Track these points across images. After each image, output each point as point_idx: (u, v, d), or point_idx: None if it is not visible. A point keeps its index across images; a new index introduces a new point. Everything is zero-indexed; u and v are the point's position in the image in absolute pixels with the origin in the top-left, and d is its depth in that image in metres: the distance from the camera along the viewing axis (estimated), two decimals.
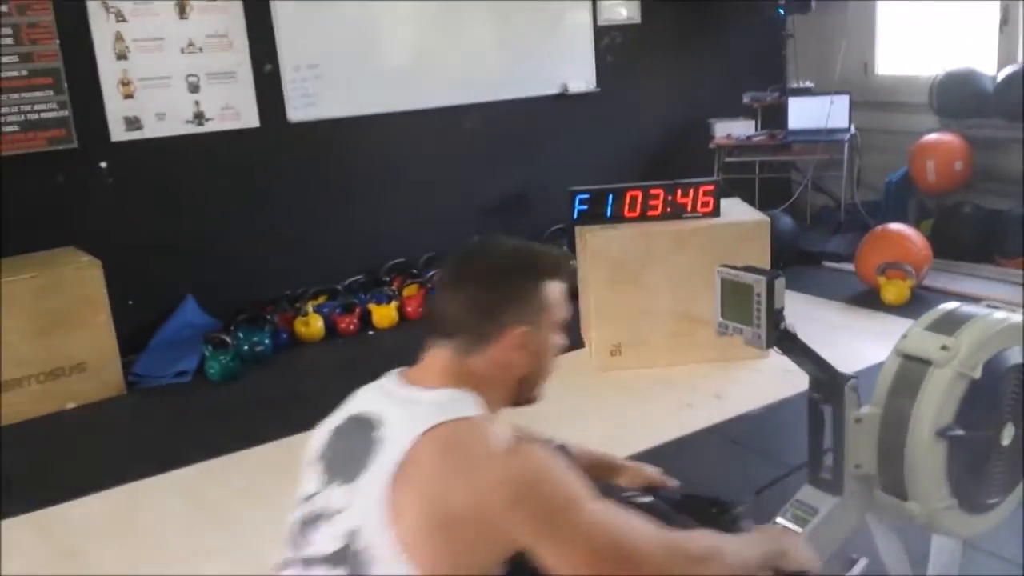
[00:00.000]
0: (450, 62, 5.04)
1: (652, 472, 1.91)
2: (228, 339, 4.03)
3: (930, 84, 5.16)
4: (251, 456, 3.29)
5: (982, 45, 5.17)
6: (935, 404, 1.79)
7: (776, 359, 3.41)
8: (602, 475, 1.88)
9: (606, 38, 5.50)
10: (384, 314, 4.46)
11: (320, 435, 1.52)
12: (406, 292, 4.59)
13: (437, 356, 1.48)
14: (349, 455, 1.39)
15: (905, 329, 1.96)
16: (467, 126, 5.10)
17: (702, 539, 1.44)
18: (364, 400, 1.51)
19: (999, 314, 1.90)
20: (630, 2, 5.56)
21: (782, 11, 5.64)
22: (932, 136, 5.07)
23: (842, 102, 5.35)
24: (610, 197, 3.79)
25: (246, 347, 4.11)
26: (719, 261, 3.69)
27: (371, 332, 4.46)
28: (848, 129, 5.32)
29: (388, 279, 4.67)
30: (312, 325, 4.35)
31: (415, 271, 4.76)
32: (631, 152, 5.58)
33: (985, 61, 5.11)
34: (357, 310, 4.47)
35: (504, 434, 1.34)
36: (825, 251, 5.15)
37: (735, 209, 3.96)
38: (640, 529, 1.35)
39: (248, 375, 4.03)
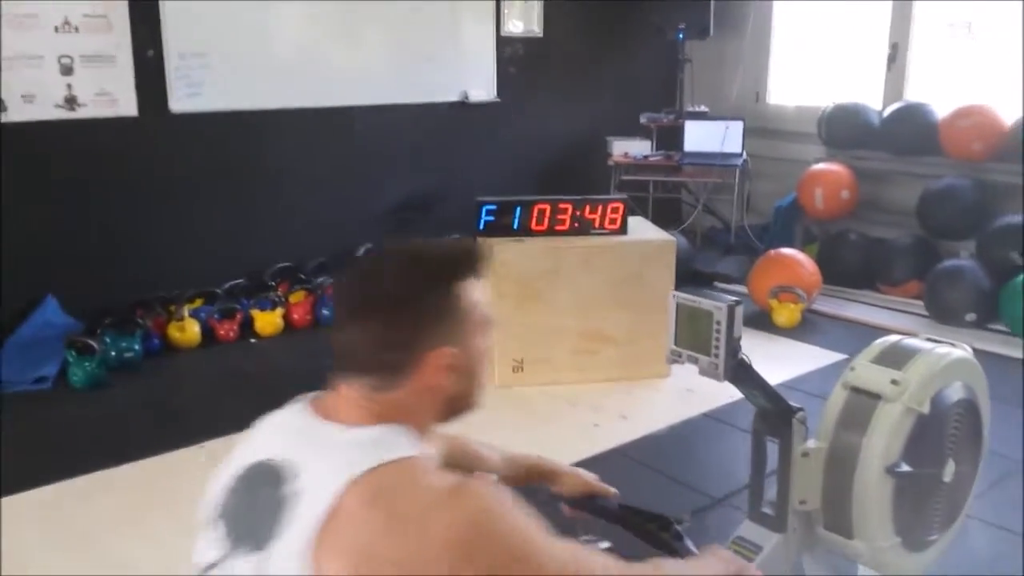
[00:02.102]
0: (347, 61, 4.82)
1: (590, 478, 1.77)
2: (93, 343, 3.66)
3: (819, 115, 5.30)
4: (118, 475, 2.97)
5: (870, 80, 5.35)
6: (884, 439, 1.74)
7: (675, 379, 3.36)
8: (539, 480, 1.76)
9: (508, 49, 5.40)
10: (268, 321, 4.18)
11: (217, 486, 1.24)
12: (293, 298, 4.32)
13: (351, 389, 1.25)
14: (256, 515, 1.14)
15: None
16: (363, 128, 4.88)
17: (666, 569, 1.37)
18: (269, 441, 1.25)
19: (942, 348, 1.86)
20: (533, 15, 5.48)
21: (681, 35, 5.69)
22: (821, 165, 5.20)
23: (736, 128, 5.43)
24: (518, 209, 3.66)
25: (113, 353, 3.75)
26: (626, 279, 3.67)
27: (253, 340, 4.18)
28: (741, 154, 5.40)
29: (273, 284, 4.39)
30: (188, 330, 4.02)
31: (303, 276, 4.49)
32: (530, 164, 5.49)
33: (872, 96, 5.29)
34: (238, 316, 4.17)
35: (442, 477, 1.14)
36: (717, 272, 5.19)
37: (641, 227, 3.91)
38: (607, 568, 1.22)
39: (116, 383, 3.68)
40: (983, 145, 4.64)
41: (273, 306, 4.23)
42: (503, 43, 5.34)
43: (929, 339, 1.93)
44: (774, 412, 1.76)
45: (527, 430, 3.28)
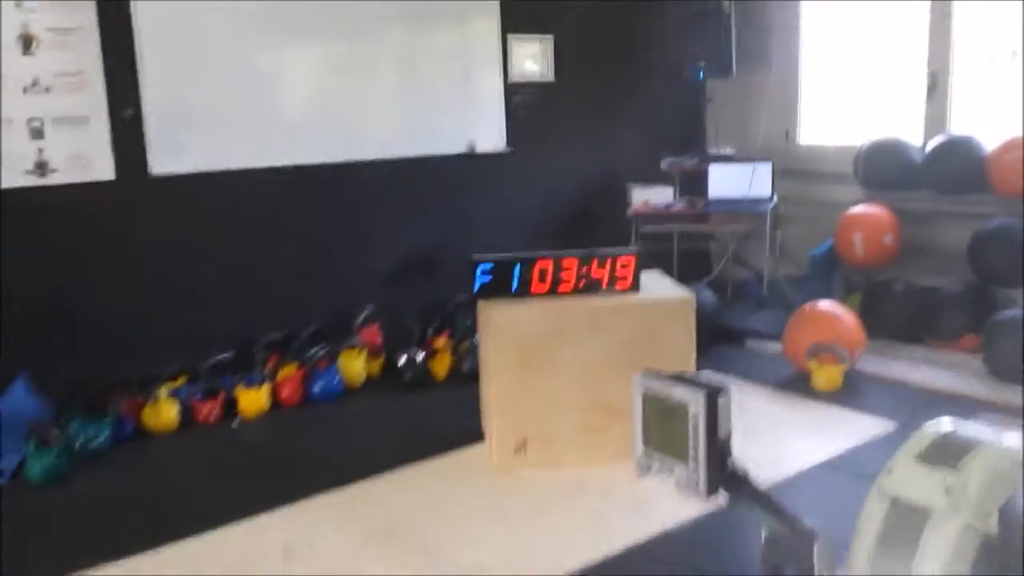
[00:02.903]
0: (346, 114, 4.53)
1: None
2: (57, 432, 3.34)
3: (855, 154, 4.90)
4: None
5: (909, 114, 4.93)
6: (939, 568, 1.32)
7: None
8: None
9: (517, 96, 5.09)
10: (252, 400, 3.84)
11: None
12: (281, 373, 3.98)
13: None
14: None
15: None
16: (361, 184, 4.58)
17: None
18: None
19: (1012, 437, 1.44)
20: (543, 59, 5.18)
21: (701, 74, 5.36)
22: (859, 208, 4.77)
23: (764, 170, 5.04)
24: (517, 268, 3.30)
25: (80, 440, 3.43)
26: (638, 343, 3.27)
27: (236, 421, 3.83)
28: (771, 198, 5.01)
29: (263, 357, 4.06)
30: (163, 413, 3.69)
31: (294, 348, 4.16)
32: (544, 217, 5.14)
33: (911, 130, 4.87)
34: (221, 395, 3.84)
35: None
36: (748, 329, 4.76)
37: (656, 283, 3.52)
38: None
39: (79, 474, 3.35)
40: None
41: (260, 383, 3.90)
42: (512, 89, 5.04)
43: (993, 423, 1.52)
44: (788, 538, 1.35)
45: (528, 524, 2.87)
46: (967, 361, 4.09)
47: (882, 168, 4.80)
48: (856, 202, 4.83)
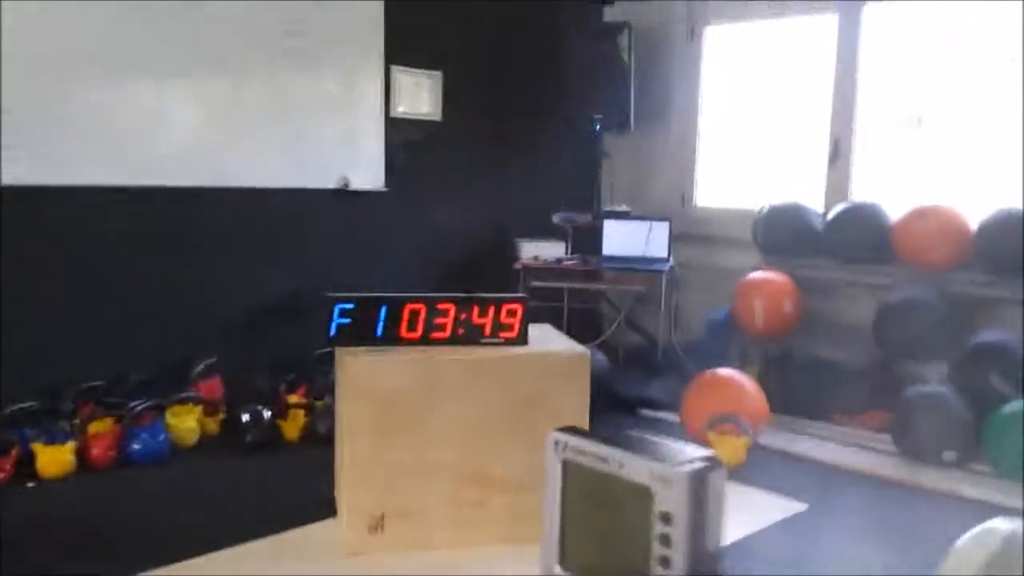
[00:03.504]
0: (196, 132, 3.96)
1: None
2: None
3: (754, 219, 4.64)
4: None
5: (810, 181, 4.73)
6: None
7: None
8: None
9: (399, 132, 4.63)
10: (54, 458, 3.14)
11: None
12: (92, 428, 3.29)
13: None
14: None
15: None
16: (210, 214, 3.99)
17: None
18: None
19: None
20: (429, 96, 4.76)
21: (599, 127, 5.05)
22: (758, 274, 4.48)
23: (662, 229, 4.72)
24: (383, 310, 2.78)
25: None
26: (524, 404, 2.77)
27: (31, 483, 3.12)
28: (668, 259, 4.67)
29: (71, 408, 3.37)
30: None
31: (113, 400, 3.48)
32: (422, 266, 4.65)
33: (812, 197, 4.65)
34: (14, 451, 3.12)
35: None
36: (643, 396, 4.35)
37: (546, 337, 3.05)
38: None
39: None
40: (946, 251, 3.99)
41: (64, 439, 3.20)
42: (393, 125, 4.58)
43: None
44: None
45: None
46: (876, 439, 3.78)
47: (782, 234, 4.55)
48: (755, 268, 4.55)
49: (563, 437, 0.83)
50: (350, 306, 2.77)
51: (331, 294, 2.78)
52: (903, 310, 3.98)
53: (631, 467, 0.77)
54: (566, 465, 0.83)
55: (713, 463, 0.77)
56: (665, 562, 0.73)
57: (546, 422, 2.76)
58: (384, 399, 2.67)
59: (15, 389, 3.35)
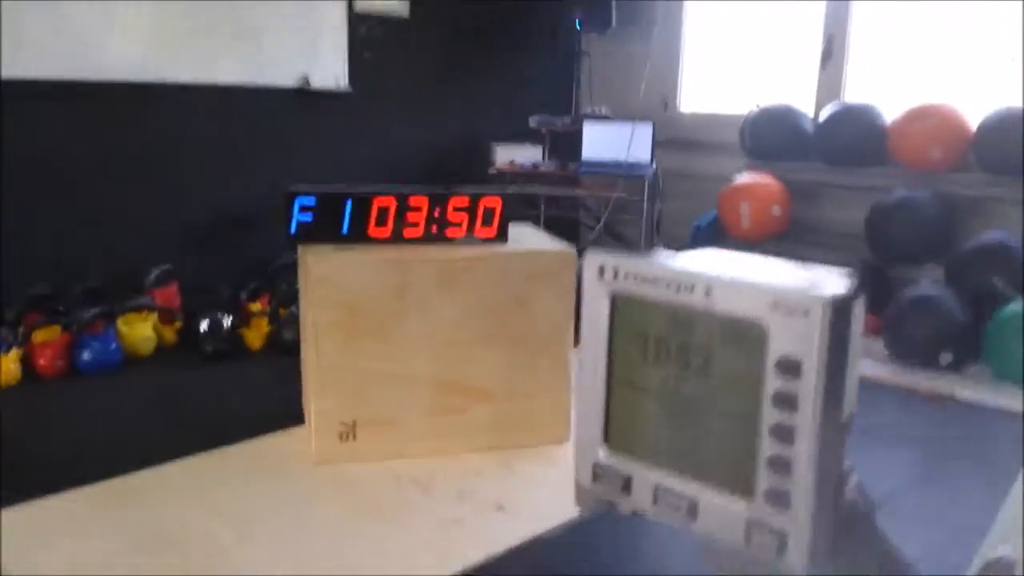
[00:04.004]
0: (150, 24, 3.63)
1: None
2: None
3: (741, 122, 4.42)
4: None
5: (800, 83, 4.50)
6: None
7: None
8: None
9: (364, 29, 4.32)
10: None
11: None
12: (39, 336, 3.05)
13: None
14: None
15: None
16: (164, 113, 3.70)
17: None
18: None
19: None
20: None
21: (579, 25, 4.75)
22: (745, 177, 4.28)
23: (645, 132, 4.49)
24: (348, 204, 2.54)
25: None
26: (505, 307, 2.55)
27: None
28: (650, 164, 4.45)
29: (15, 316, 3.12)
30: None
31: (61, 308, 3.24)
32: (391, 172, 4.39)
33: (804, 99, 4.43)
34: None
35: None
36: None
37: (527, 236, 2.84)
38: None
39: None
40: (943, 152, 3.81)
41: (8, 347, 2.96)
42: (357, 21, 4.26)
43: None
44: None
45: (355, 533, 2.12)
46: (867, 343, 3.64)
47: (771, 137, 4.34)
48: (742, 171, 4.35)
49: (611, 258, 0.58)
50: (311, 201, 2.53)
51: (290, 188, 2.53)
52: (897, 211, 3.81)
53: (729, 295, 0.53)
54: (616, 301, 0.58)
55: (857, 289, 0.54)
56: (783, 434, 0.51)
57: (528, 326, 2.58)
58: (351, 301, 2.45)
59: None
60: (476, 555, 2.02)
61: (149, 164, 3.67)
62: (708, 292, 0.55)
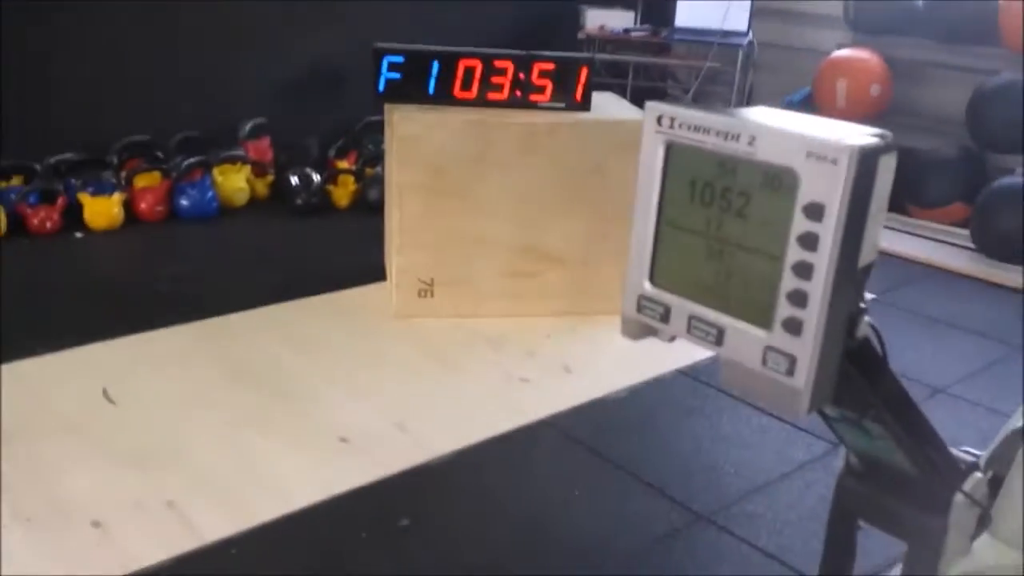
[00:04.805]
0: None
1: None
2: None
3: None
4: None
5: None
6: None
7: None
8: None
9: None
10: (101, 210, 3.10)
11: None
12: (140, 181, 3.22)
13: None
14: None
15: None
16: None
17: None
18: None
19: None
20: None
21: None
22: (845, 52, 4.12)
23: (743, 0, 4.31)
24: (435, 65, 2.57)
25: None
26: (583, 175, 2.56)
27: (79, 234, 3.09)
28: (746, 34, 4.30)
29: (117, 162, 3.29)
30: None
31: (160, 155, 3.38)
32: (477, 36, 4.33)
33: None
34: (60, 200, 3.08)
35: None
36: None
37: (610, 105, 2.84)
38: None
39: None
40: None
41: (111, 191, 3.14)
42: None
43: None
44: (908, 473, 0.73)
45: (428, 382, 2.26)
46: (952, 234, 3.57)
47: (877, 8, 4.13)
48: (842, 46, 4.18)
49: (668, 108, 0.65)
50: (399, 60, 2.56)
51: (379, 45, 2.57)
52: (1000, 95, 3.64)
53: (768, 143, 0.59)
54: (671, 149, 0.65)
55: (888, 142, 0.59)
56: (803, 270, 0.57)
57: (605, 195, 2.62)
58: (434, 162, 2.51)
59: (59, 141, 3.26)
60: (542, 410, 2.14)
61: (247, 19, 3.71)
62: (752, 141, 0.60)
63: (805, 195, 0.58)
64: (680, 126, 0.64)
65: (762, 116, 0.63)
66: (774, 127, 0.60)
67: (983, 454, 0.81)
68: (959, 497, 0.73)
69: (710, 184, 0.64)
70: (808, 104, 4.18)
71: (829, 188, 0.57)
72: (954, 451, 0.77)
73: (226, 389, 2.15)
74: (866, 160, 0.56)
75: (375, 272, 2.85)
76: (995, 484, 0.76)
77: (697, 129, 0.64)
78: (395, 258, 2.58)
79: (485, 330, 2.55)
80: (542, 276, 2.64)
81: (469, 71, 2.58)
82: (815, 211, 0.57)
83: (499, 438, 2.03)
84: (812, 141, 0.57)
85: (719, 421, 2.15)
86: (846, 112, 4.03)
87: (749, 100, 4.59)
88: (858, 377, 0.64)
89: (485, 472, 1.91)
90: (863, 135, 0.59)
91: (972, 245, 3.45)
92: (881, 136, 0.60)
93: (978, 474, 0.75)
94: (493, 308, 2.64)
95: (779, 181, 0.59)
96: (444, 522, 1.73)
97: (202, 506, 1.71)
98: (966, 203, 3.58)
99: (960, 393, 2.35)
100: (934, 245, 3.50)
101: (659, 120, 0.66)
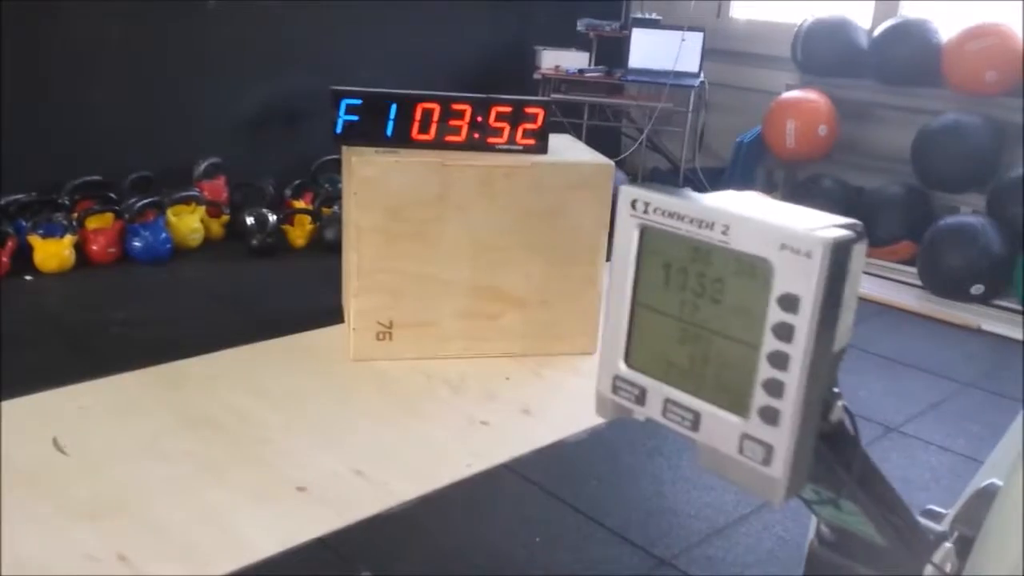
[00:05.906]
0: None
1: None
2: None
3: (795, 33, 4.31)
4: None
5: None
6: None
7: None
8: None
9: None
10: (52, 252, 3.04)
11: None
12: (92, 223, 3.17)
13: None
14: None
15: None
16: (214, 12, 3.70)
17: None
18: None
19: None
20: None
21: None
22: (795, 93, 4.22)
23: (695, 41, 4.40)
24: (393, 107, 2.58)
25: None
26: (542, 216, 2.60)
27: (29, 277, 3.03)
28: (698, 75, 4.39)
29: (69, 203, 3.23)
30: None
31: (112, 195, 3.34)
32: (433, 75, 4.37)
33: (861, 12, 4.31)
34: (10, 243, 3.01)
35: None
36: None
37: (567, 147, 2.87)
38: None
39: None
40: (998, 75, 3.71)
41: (62, 233, 3.09)
42: None
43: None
44: (879, 544, 0.74)
45: (388, 427, 2.24)
46: (899, 271, 3.65)
47: (823, 50, 4.24)
48: (791, 87, 4.28)
49: (642, 193, 0.66)
50: (357, 102, 2.57)
51: (336, 87, 2.57)
52: (944, 137, 3.75)
53: (742, 233, 0.60)
54: (645, 233, 0.66)
55: (859, 232, 0.61)
56: (779, 360, 0.58)
57: (564, 236, 2.64)
58: (392, 203, 2.52)
59: (10, 182, 3.20)
60: (502, 454, 2.14)
61: (199, 57, 3.70)
62: (726, 230, 0.61)
63: (779, 286, 0.59)
64: (654, 211, 0.65)
65: (735, 204, 0.64)
66: (747, 217, 0.61)
67: (948, 513, 0.83)
68: (929, 568, 0.74)
69: (684, 269, 0.64)
70: (758, 144, 4.27)
71: (804, 280, 0.58)
72: (922, 520, 0.79)
73: (181, 437, 2.11)
74: (839, 252, 0.57)
75: (333, 313, 2.84)
76: (962, 543, 0.78)
77: (671, 215, 0.65)
78: (353, 301, 2.57)
79: (445, 372, 2.54)
80: (501, 317, 2.64)
81: (427, 113, 2.60)
82: (790, 303, 0.58)
83: (459, 483, 2.02)
84: (786, 233, 0.59)
85: (679, 462, 2.16)
86: (795, 151, 4.12)
87: (700, 140, 4.67)
88: (831, 458, 0.65)
89: (446, 519, 1.89)
90: (835, 226, 0.61)
91: (919, 283, 3.53)
92: (852, 227, 0.61)
93: (947, 544, 0.77)
94: (453, 349, 2.63)
95: (753, 269, 0.60)
96: (405, 570, 1.71)
97: (156, 559, 1.67)
98: (913, 241, 3.66)
99: (912, 432, 2.39)
100: (882, 283, 3.57)
101: (633, 204, 0.67)
